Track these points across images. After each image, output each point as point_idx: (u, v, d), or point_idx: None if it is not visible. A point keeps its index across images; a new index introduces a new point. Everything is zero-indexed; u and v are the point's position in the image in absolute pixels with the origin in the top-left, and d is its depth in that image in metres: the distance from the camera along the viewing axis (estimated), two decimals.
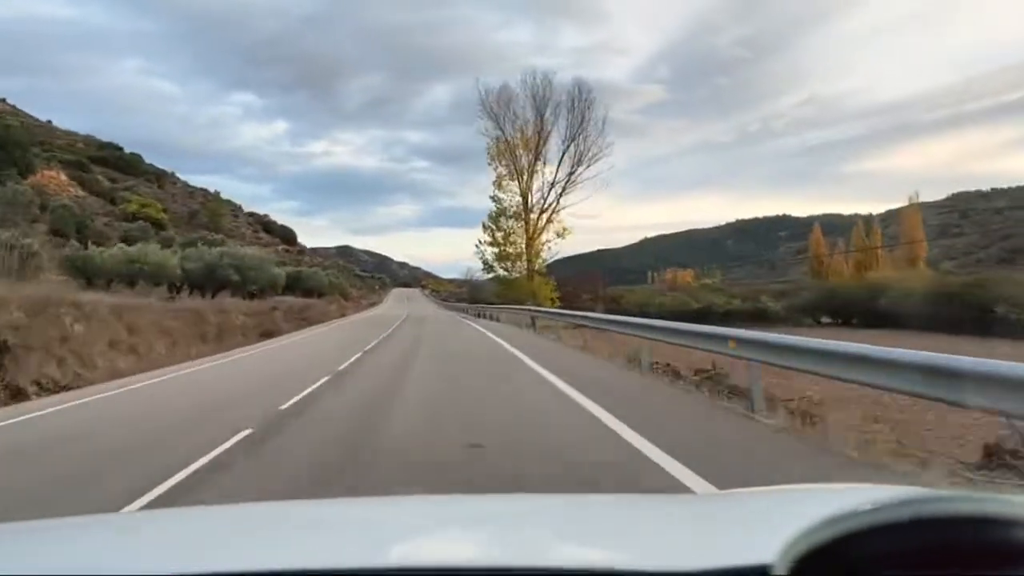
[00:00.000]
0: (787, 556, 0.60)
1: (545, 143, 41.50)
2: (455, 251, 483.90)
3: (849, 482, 3.09)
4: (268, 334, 21.50)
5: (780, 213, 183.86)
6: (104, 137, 79.12)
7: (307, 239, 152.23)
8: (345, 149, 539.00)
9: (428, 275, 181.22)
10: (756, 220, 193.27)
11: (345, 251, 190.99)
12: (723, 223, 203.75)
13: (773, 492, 1.58)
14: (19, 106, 77.65)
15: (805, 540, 0.59)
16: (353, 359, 12.59)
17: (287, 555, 0.98)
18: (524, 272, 41.03)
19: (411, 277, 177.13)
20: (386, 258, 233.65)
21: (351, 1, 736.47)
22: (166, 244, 36.33)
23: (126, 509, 3.77)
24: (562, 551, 1.05)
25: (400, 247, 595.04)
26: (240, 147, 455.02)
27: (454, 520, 1.32)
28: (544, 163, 41.91)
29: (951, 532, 0.54)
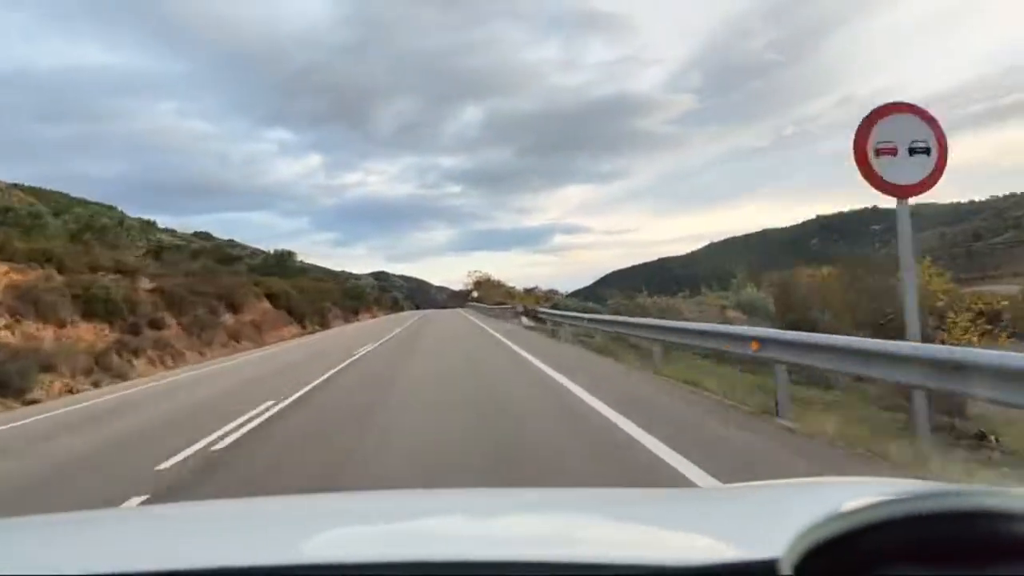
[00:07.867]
0: (794, 550, 0.60)
1: None
2: (495, 274, 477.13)
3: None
4: None
5: (868, 206, 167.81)
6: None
7: (346, 267, 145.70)
8: (379, 178, 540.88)
9: (488, 283, 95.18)
10: (841, 215, 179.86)
11: (380, 276, 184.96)
12: (800, 221, 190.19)
13: (780, 486, 1.61)
14: None
15: (812, 535, 0.59)
16: None
17: (322, 548, 1.03)
18: None
19: (451, 300, 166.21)
20: (423, 282, 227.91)
21: (380, 27, 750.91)
22: None
23: None
24: (571, 545, 1.05)
25: (439, 272, 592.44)
26: (276, 182, 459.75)
27: (467, 514, 1.37)
28: None
29: (957, 527, 0.55)
